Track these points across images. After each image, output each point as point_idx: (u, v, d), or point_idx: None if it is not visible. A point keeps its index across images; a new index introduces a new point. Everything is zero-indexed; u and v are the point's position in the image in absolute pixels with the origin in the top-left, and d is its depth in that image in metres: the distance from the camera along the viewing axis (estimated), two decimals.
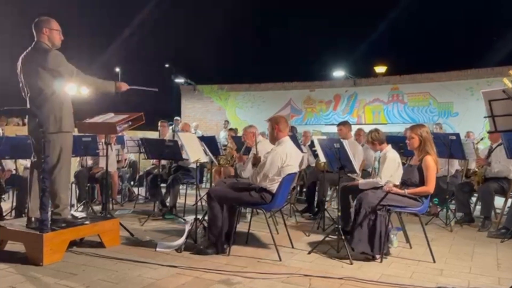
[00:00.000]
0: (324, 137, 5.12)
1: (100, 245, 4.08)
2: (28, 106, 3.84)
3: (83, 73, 3.92)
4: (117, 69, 31.34)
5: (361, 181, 4.41)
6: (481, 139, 7.14)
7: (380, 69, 17.29)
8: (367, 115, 14.32)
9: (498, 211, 5.64)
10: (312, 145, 6.73)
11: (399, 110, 13.80)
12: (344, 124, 5.83)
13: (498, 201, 5.51)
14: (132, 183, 8.06)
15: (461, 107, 12.76)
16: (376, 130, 4.70)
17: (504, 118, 2.66)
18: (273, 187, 3.89)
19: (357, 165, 4.03)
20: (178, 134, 5.04)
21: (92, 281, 3.17)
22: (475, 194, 5.89)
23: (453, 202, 6.01)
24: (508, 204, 5.26)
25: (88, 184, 6.32)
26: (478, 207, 6.00)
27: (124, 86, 4.14)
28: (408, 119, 13.19)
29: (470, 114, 12.36)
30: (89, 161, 6.45)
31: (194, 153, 4.29)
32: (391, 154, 4.40)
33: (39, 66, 3.72)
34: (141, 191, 7.63)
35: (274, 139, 4.07)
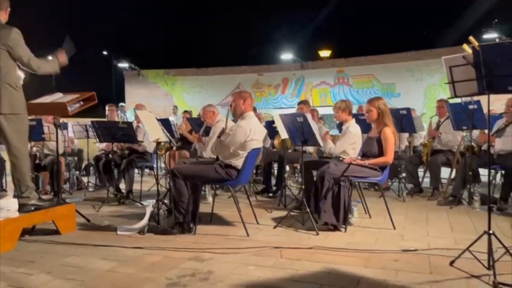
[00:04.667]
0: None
1: (55, 232, 3.85)
2: None
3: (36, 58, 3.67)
4: (50, 57, 29.50)
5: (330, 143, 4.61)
6: (422, 114, 7.66)
7: (325, 53, 17.63)
8: (314, 98, 14.57)
9: (444, 181, 6.00)
10: (268, 125, 6.75)
11: (345, 92, 14.18)
12: (305, 103, 5.96)
13: (444, 172, 5.87)
14: (77, 172, 7.65)
15: (402, 88, 13.34)
16: (349, 101, 4.97)
17: (463, 84, 2.79)
18: (239, 163, 3.85)
19: (320, 139, 4.08)
20: (136, 111, 4.82)
21: (53, 267, 2.97)
22: (421, 168, 6.26)
23: (404, 175, 6.35)
24: (453, 174, 5.61)
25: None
26: (426, 180, 6.38)
27: (64, 58, 3.91)
28: (353, 100, 13.55)
29: (410, 95, 12.96)
30: (33, 148, 6.03)
31: (154, 132, 4.13)
32: (353, 129, 4.53)
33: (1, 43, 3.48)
34: (89, 180, 7.27)
35: (239, 113, 4.01)
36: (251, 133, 3.85)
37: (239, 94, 4.10)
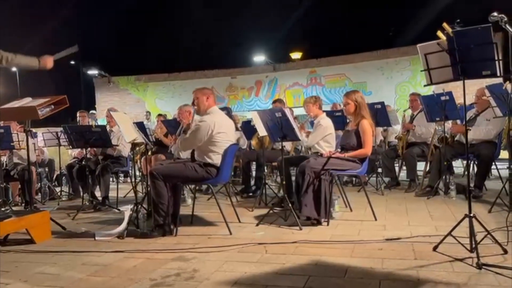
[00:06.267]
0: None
1: (29, 241, 3.69)
2: None
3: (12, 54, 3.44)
4: (14, 69, 28.42)
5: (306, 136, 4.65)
6: (397, 110, 7.82)
7: (296, 55, 17.80)
8: (288, 99, 14.62)
9: (420, 173, 6.12)
10: (245, 126, 6.73)
11: (318, 92, 14.28)
12: (280, 101, 5.99)
13: (419, 165, 5.98)
14: (49, 182, 7.39)
15: (373, 86, 13.58)
16: (319, 96, 5.04)
17: (438, 71, 2.83)
18: (217, 160, 3.79)
19: (299, 133, 4.08)
20: (111, 113, 4.70)
21: (30, 275, 2.83)
22: (396, 162, 6.37)
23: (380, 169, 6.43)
24: (428, 166, 5.72)
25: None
26: (402, 174, 6.49)
27: (50, 63, 3.69)
28: (326, 100, 13.69)
29: (382, 92, 13.20)
30: (1, 157, 5.78)
31: (130, 133, 4.02)
32: (324, 122, 4.56)
33: None
34: (62, 189, 7.04)
35: (203, 110, 3.98)
36: (216, 127, 3.79)
37: (201, 91, 4.06)
